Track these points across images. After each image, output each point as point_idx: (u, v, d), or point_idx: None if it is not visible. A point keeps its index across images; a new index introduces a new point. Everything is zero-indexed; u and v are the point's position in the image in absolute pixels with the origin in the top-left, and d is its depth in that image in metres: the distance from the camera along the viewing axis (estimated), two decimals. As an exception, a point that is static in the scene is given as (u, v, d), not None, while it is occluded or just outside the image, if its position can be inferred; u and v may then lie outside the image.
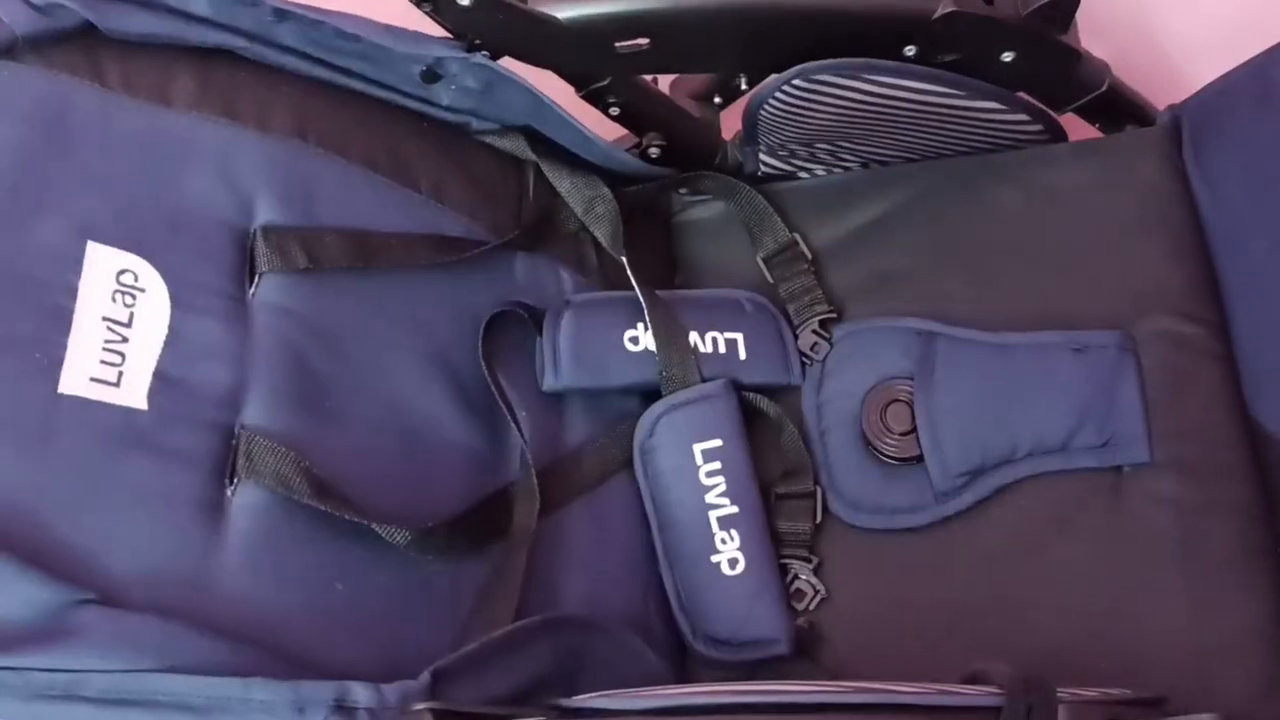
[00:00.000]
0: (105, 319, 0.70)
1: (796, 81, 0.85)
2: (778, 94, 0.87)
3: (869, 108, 0.88)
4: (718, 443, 0.84)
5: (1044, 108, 0.92)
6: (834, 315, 0.90)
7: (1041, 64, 0.88)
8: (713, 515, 0.84)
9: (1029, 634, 0.77)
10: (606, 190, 0.92)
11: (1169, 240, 0.87)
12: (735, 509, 0.84)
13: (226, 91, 0.79)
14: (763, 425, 0.88)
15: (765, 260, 0.93)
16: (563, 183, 0.92)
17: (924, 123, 0.90)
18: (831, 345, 0.88)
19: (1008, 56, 0.87)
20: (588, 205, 0.92)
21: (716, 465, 0.84)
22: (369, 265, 0.80)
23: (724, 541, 0.83)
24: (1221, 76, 0.88)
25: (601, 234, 0.92)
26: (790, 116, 0.89)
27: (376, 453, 0.77)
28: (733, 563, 0.83)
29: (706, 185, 0.96)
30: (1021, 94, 0.90)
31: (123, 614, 0.62)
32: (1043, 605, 0.78)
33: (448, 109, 0.88)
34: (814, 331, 0.89)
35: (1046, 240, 0.89)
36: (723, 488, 0.84)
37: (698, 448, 0.84)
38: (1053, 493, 0.81)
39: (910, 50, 0.86)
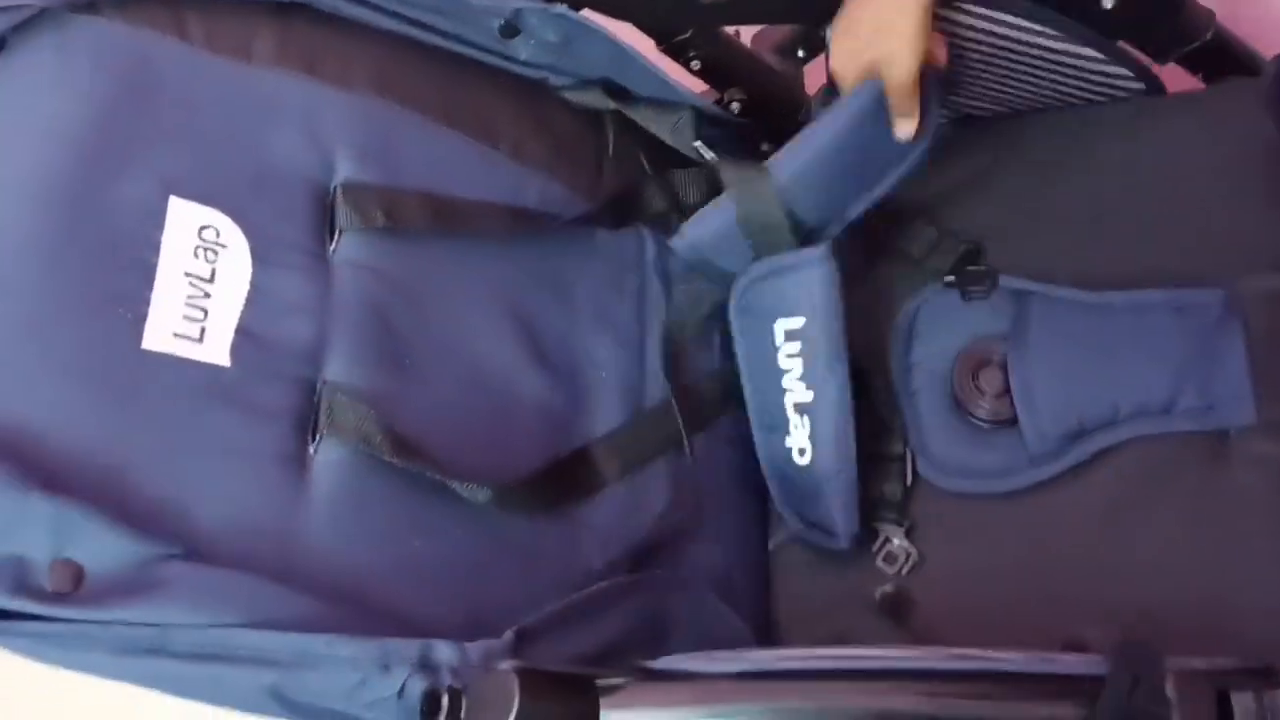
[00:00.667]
0: (188, 274, 0.70)
1: None
2: None
3: (963, 50, 0.84)
4: (799, 322, 0.80)
5: (1144, 59, 0.88)
6: (976, 247, 0.86)
7: (1143, 11, 0.85)
8: (788, 400, 0.81)
9: (1128, 600, 0.74)
10: (688, 111, 0.88)
11: (1275, 195, 0.83)
12: (810, 396, 0.80)
13: (307, 47, 0.79)
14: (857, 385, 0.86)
15: (875, 234, 0.88)
16: (645, 115, 0.89)
17: (1018, 70, 0.87)
18: (995, 277, 0.85)
19: (1108, 3, 0.83)
20: (672, 127, 0.89)
21: (796, 347, 0.80)
22: (448, 229, 0.78)
23: (795, 427, 0.81)
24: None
25: (682, 144, 0.89)
26: None
27: (456, 410, 0.76)
28: (801, 451, 0.81)
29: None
30: (1121, 43, 0.86)
31: (209, 568, 0.62)
32: (1142, 571, 0.75)
33: (526, 64, 0.87)
34: (970, 270, 0.86)
35: (1147, 196, 0.85)
36: (799, 372, 0.80)
37: (779, 326, 0.81)
38: (1153, 456, 0.78)
39: (1006, -4, 0.83)
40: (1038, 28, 0.82)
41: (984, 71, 0.87)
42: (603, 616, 0.70)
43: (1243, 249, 0.81)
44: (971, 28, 0.83)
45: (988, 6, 0.82)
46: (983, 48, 0.84)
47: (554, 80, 0.89)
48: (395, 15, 0.82)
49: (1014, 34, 0.83)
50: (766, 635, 0.83)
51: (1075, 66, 0.86)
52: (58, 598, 0.59)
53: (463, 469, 0.73)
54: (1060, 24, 0.82)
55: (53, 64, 0.71)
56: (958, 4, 0.82)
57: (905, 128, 0.80)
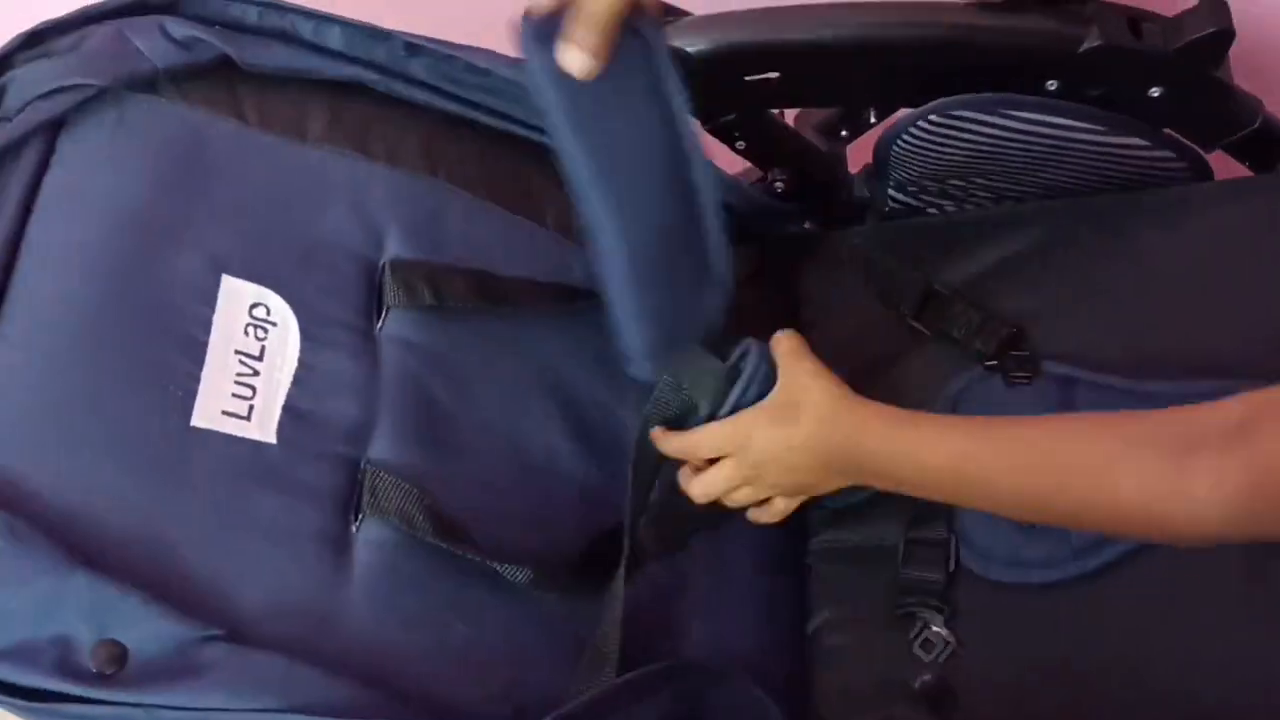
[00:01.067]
0: (238, 352, 0.70)
1: (933, 117, 0.83)
2: (912, 129, 0.85)
3: (1006, 143, 0.85)
4: None
5: (1191, 144, 0.88)
6: (1019, 331, 0.85)
7: (1191, 100, 0.85)
8: None
9: (1179, 700, 0.73)
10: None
11: (1325, 285, 0.82)
12: None
13: (358, 125, 0.80)
14: None
15: (915, 317, 0.89)
16: None
17: (1063, 159, 0.87)
18: (1037, 362, 0.84)
19: (1155, 92, 0.83)
20: None
21: None
22: (494, 306, 0.79)
23: None
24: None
25: None
26: (924, 152, 0.87)
27: (498, 489, 0.77)
28: None
29: (831, 253, 0.93)
30: (1168, 130, 0.86)
31: (249, 651, 0.62)
32: (1194, 669, 0.74)
33: (572, 141, 0.88)
34: (1013, 355, 0.85)
35: (1193, 283, 0.84)
36: None
37: None
38: (1198, 550, 0.76)
39: (1053, 85, 0.83)
40: (1085, 125, 0.82)
41: (1027, 161, 0.87)
42: (639, 702, 0.69)
43: (1291, 340, 0.81)
44: (1011, 128, 0.83)
45: (1036, 111, 0.82)
46: (1026, 140, 0.84)
47: (600, 158, 0.89)
48: (447, 95, 0.83)
49: (1059, 131, 0.83)
50: (800, 718, 0.82)
51: (1121, 154, 0.86)
52: (100, 679, 0.60)
53: (503, 549, 0.73)
54: (1105, 120, 0.82)
55: (110, 142, 0.72)
56: (1001, 111, 0.82)
57: (576, 57, 0.65)
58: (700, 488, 0.76)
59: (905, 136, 0.85)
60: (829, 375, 0.74)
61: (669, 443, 0.76)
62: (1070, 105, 0.82)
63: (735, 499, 0.77)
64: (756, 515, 0.79)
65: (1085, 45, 0.81)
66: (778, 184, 0.94)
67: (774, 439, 0.73)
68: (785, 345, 0.76)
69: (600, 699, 0.66)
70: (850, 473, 0.74)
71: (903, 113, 0.89)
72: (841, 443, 0.72)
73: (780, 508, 0.78)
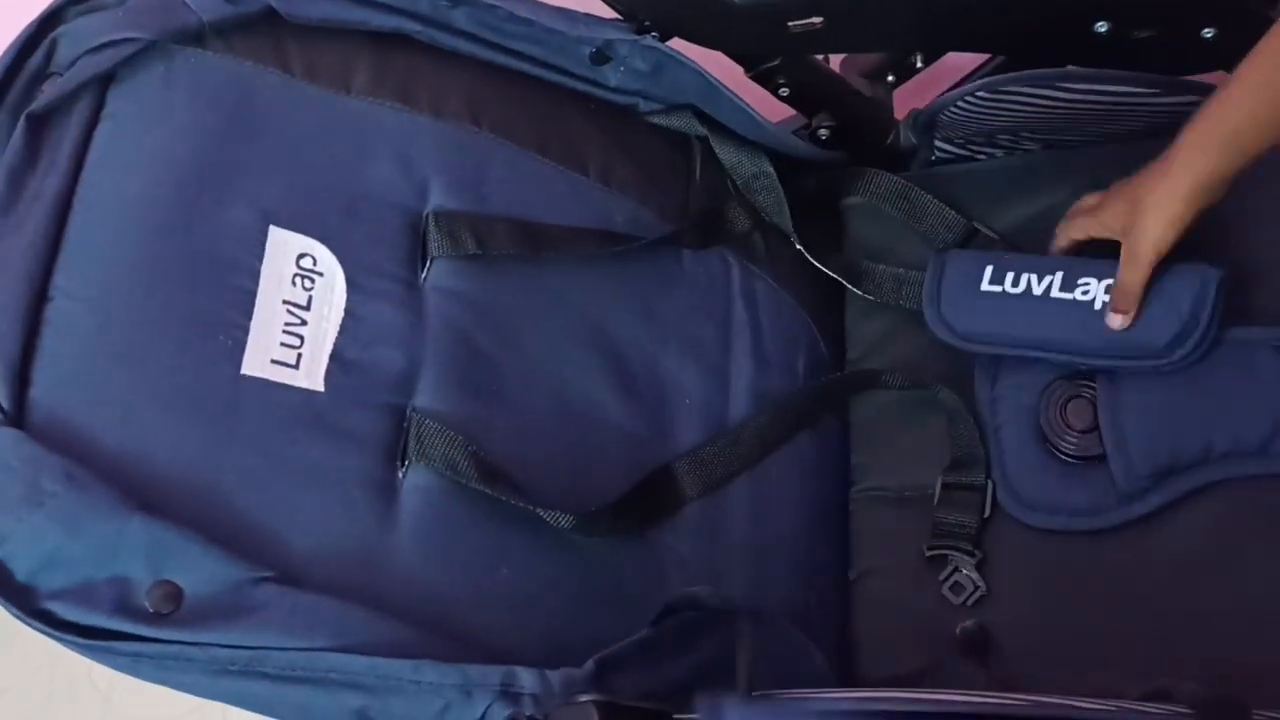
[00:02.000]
0: (285, 302, 0.71)
1: (982, 93, 0.82)
2: (961, 102, 0.84)
3: (1057, 109, 0.84)
4: None
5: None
6: None
7: (1246, 41, 0.82)
8: None
9: (1218, 649, 0.72)
10: (770, 168, 0.90)
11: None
12: None
13: (403, 77, 0.80)
14: (938, 413, 0.85)
15: None
16: (728, 155, 0.91)
17: (1113, 115, 0.85)
18: None
19: (1209, 33, 0.81)
20: (750, 179, 0.91)
21: None
22: (537, 253, 0.80)
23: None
24: None
25: (763, 205, 0.91)
26: (973, 119, 0.86)
27: (541, 436, 0.77)
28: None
29: (872, 187, 0.93)
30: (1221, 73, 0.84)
31: (300, 593, 0.64)
32: (1235, 618, 0.73)
33: (616, 90, 0.88)
34: None
35: (1241, 231, 0.83)
36: None
37: None
38: (1249, 498, 0.76)
39: (1102, 26, 0.82)
40: (1140, 90, 0.81)
41: (1078, 119, 0.86)
42: (685, 649, 0.70)
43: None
44: (1062, 97, 0.82)
45: (1085, 82, 0.80)
46: (1078, 106, 0.83)
47: (643, 106, 0.89)
48: (490, 44, 0.83)
49: (1113, 97, 0.82)
50: (845, 667, 0.83)
51: (1175, 108, 0.84)
52: (158, 618, 0.61)
53: (547, 495, 0.74)
54: (1160, 83, 0.81)
55: (159, 96, 0.73)
56: (1054, 84, 0.80)
57: (1118, 321, 0.78)
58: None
59: (954, 108, 0.85)
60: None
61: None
62: (1123, 74, 0.81)
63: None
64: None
65: (1136, -15, 0.79)
66: (822, 131, 0.93)
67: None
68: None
69: (642, 643, 0.67)
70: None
71: (949, 57, 0.88)
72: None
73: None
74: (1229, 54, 0.83)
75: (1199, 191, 0.73)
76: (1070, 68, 0.80)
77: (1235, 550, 0.75)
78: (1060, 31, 0.81)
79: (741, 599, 0.80)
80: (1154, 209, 0.74)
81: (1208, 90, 0.82)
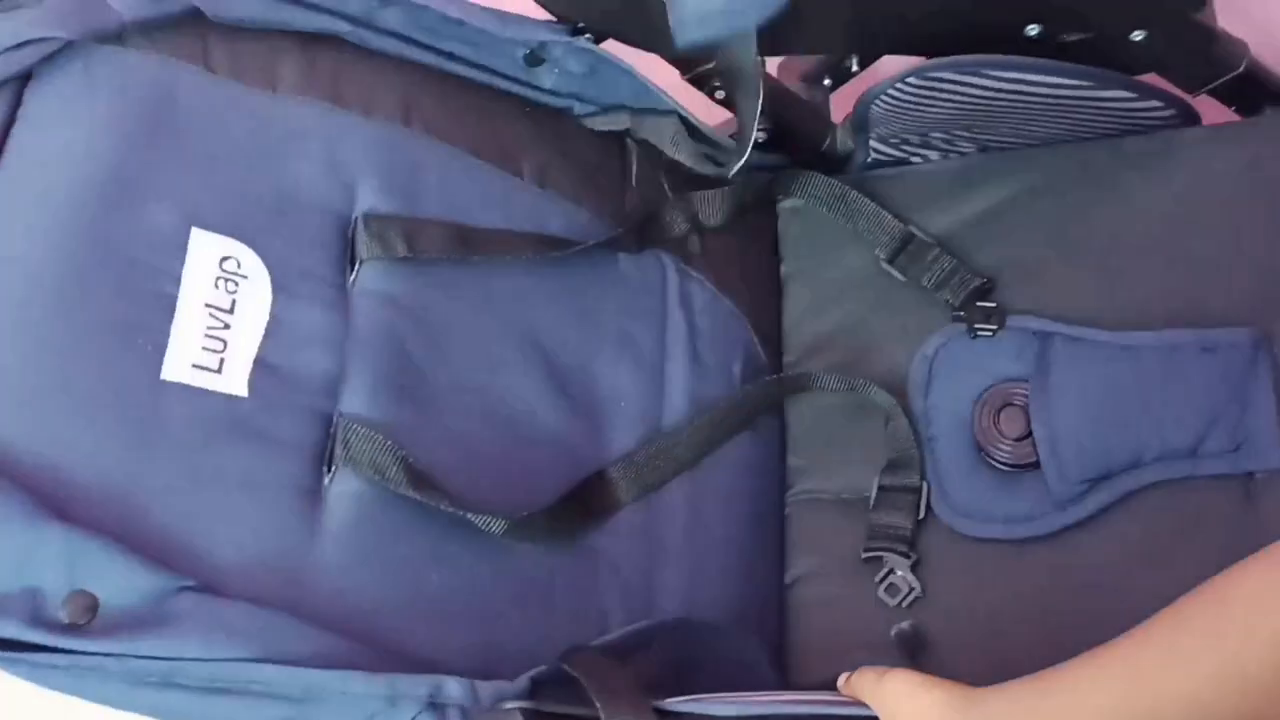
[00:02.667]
0: (208, 305, 0.70)
1: (911, 79, 0.82)
2: (891, 90, 0.84)
3: (988, 101, 0.84)
4: None
5: (1176, 92, 0.87)
6: (989, 283, 0.85)
7: (1175, 43, 0.83)
8: None
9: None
10: (675, 119, 0.90)
11: (1310, 231, 0.81)
12: None
13: (331, 76, 0.79)
14: (874, 417, 0.85)
15: (890, 261, 0.89)
16: (648, 127, 0.90)
17: (1047, 112, 0.86)
18: (1002, 316, 0.84)
19: (1138, 36, 0.82)
20: (670, 139, 0.90)
21: None
22: (469, 256, 0.79)
23: None
24: (1372, 56, 0.82)
25: (686, 156, 0.90)
26: (904, 111, 0.86)
27: (473, 441, 0.76)
28: None
29: (808, 189, 0.93)
30: (1152, 76, 0.85)
31: (222, 602, 0.62)
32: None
33: (550, 92, 0.87)
34: (979, 306, 0.85)
35: (1176, 232, 0.84)
36: None
37: None
38: (1180, 500, 0.76)
39: (1033, 30, 0.82)
40: (1069, 80, 0.81)
41: (1010, 115, 0.86)
42: (631, 658, 0.69)
43: (1274, 288, 0.80)
44: (992, 87, 0.82)
45: (1015, 70, 0.81)
46: (1010, 97, 0.83)
47: (579, 109, 0.89)
48: (421, 45, 0.82)
49: (1043, 88, 0.82)
50: (783, 670, 0.82)
51: (1106, 104, 0.85)
52: (72, 629, 0.59)
53: (479, 500, 0.73)
54: (1091, 75, 0.81)
55: (77, 95, 0.71)
56: (985, 71, 0.81)
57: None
58: None
59: (884, 97, 0.85)
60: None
61: None
62: (1053, 63, 0.81)
63: None
64: None
65: (1066, -11, 0.80)
66: (760, 134, 0.93)
67: None
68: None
69: (591, 654, 0.66)
70: None
71: (884, 62, 0.88)
72: None
73: None
74: (1158, 56, 0.84)
75: None
76: (999, 55, 0.80)
77: (1165, 553, 0.76)
78: (992, 35, 0.82)
79: (676, 605, 0.79)
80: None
81: (1140, 85, 0.83)
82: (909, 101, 0.85)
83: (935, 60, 0.81)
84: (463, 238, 0.80)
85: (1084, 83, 0.82)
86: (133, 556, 0.61)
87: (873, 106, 0.86)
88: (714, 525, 0.83)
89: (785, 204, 0.96)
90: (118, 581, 0.61)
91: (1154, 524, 0.77)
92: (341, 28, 0.79)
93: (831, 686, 0.66)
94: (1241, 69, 0.86)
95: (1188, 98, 0.87)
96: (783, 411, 0.90)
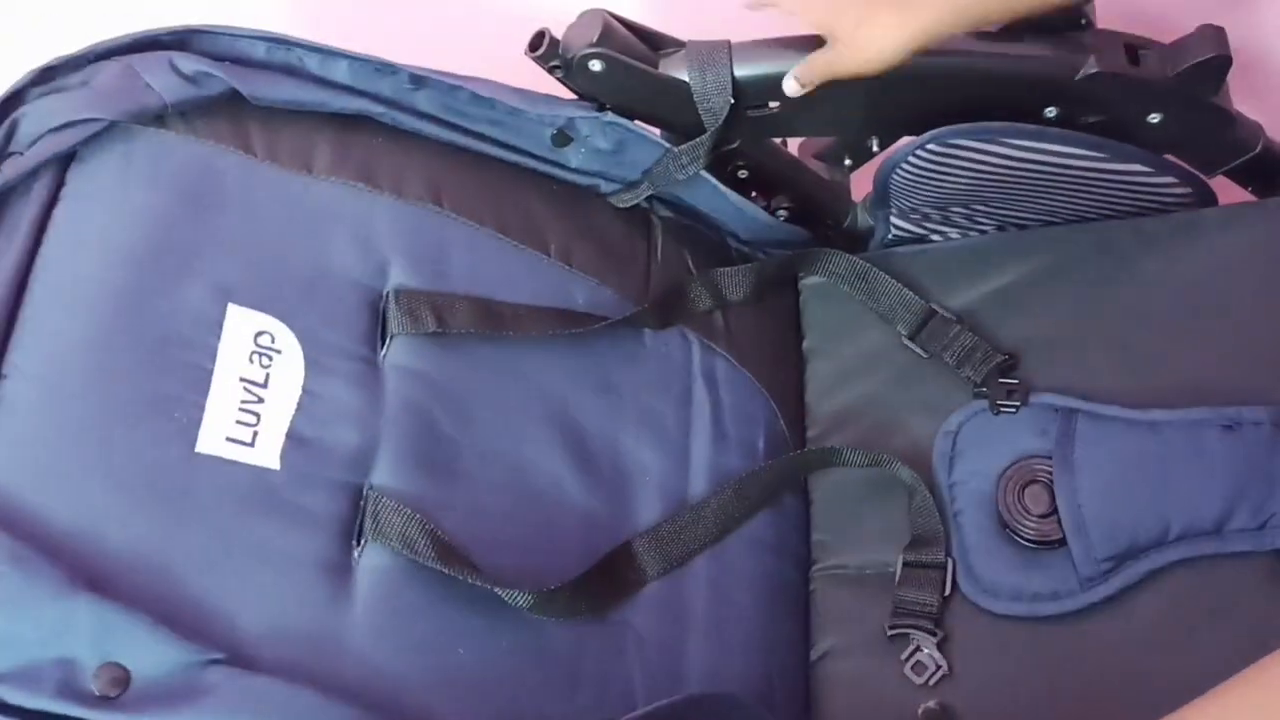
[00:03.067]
0: (243, 379, 0.71)
1: (931, 146, 0.84)
2: (911, 158, 0.85)
3: (1006, 171, 0.85)
4: None
5: (1193, 170, 0.88)
6: (1012, 360, 0.86)
7: (1191, 126, 0.85)
8: None
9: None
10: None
11: (1327, 310, 0.82)
12: None
13: (364, 158, 0.81)
14: (897, 492, 0.85)
15: (911, 338, 0.90)
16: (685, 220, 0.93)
17: (1064, 186, 0.87)
18: (1025, 393, 0.84)
19: (1155, 118, 0.84)
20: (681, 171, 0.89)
21: None
22: (498, 332, 0.80)
23: None
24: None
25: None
26: (924, 181, 0.87)
27: (499, 514, 0.77)
28: None
29: (830, 267, 0.94)
30: (1169, 156, 0.87)
31: (250, 675, 0.63)
32: (1190, 698, 0.73)
33: (577, 171, 0.89)
34: (1001, 383, 0.85)
35: (1195, 310, 0.84)
36: None
37: None
38: (1206, 579, 0.76)
39: (1051, 112, 0.84)
40: (1083, 151, 0.83)
41: (1028, 189, 0.88)
42: None
43: (1294, 365, 0.80)
44: (1011, 156, 0.84)
45: (1035, 139, 0.82)
46: (1027, 168, 0.85)
47: (604, 187, 0.91)
48: (451, 126, 0.84)
49: (1059, 159, 0.84)
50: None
51: (1123, 180, 0.86)
52: (104, 701, 0.60)
53: (505, 574, 0.73)
54: (1107, 147, 0.83)
55: (118, 175, 0.73)
56: (1000, 139, 0.82)
57: (793, 86, 0.83)
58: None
59: (904, 165, 0.86)
60: None
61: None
62: (1070, 134, 0.83)
63: None
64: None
65: (1083, 73, 0.81)
66: (780, 212, 0.95)
67: None
68: None
69: None
70: None
71: (904, 141, 0.90)
72: None
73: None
74: (1175, 138, 0.86)
75: None
76: (1017, 124, 0.82)
77: (1191, 631, 0.75)
78: (1011, 118, 0.83)
79: (701, 681, 0.79)
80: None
81: (1155, 159, 0.84)
82: (927, 171, 0.86)
83: (953, 127, 0.83)
84: (490, 313, 0.81)
85: (1100, 154, 0.83)
86: (163, 629, 0.62)
87: (892, 176, 0.88)
88: (738, 601, 0.83)
89: (807, 281, 0.97)
90: (149, 654, 0.61)
91: (1180, 602, 0.76)
92: (375, 109, 0.82)
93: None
94: (1258, 150, 0.88)
95: (1205, 179, 0.89)
96: (806, 487, 0.90)
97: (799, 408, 0.93)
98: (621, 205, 0.91)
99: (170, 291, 0.71)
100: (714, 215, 0.94)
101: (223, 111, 0.78)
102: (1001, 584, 0.80)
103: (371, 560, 0.70)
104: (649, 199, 0.92)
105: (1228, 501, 0.77)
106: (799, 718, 0.82)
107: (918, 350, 0.89)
